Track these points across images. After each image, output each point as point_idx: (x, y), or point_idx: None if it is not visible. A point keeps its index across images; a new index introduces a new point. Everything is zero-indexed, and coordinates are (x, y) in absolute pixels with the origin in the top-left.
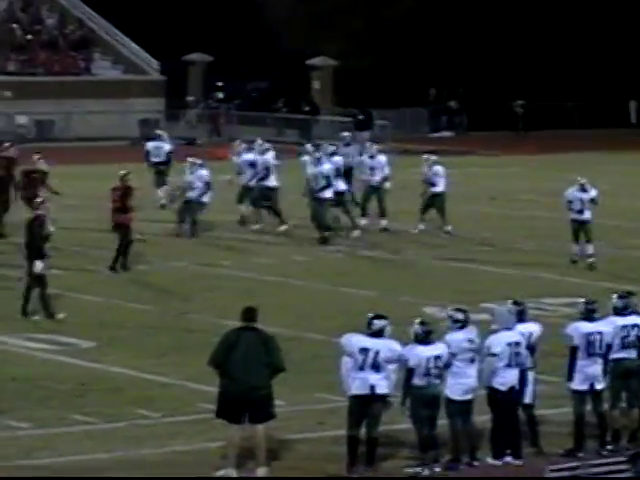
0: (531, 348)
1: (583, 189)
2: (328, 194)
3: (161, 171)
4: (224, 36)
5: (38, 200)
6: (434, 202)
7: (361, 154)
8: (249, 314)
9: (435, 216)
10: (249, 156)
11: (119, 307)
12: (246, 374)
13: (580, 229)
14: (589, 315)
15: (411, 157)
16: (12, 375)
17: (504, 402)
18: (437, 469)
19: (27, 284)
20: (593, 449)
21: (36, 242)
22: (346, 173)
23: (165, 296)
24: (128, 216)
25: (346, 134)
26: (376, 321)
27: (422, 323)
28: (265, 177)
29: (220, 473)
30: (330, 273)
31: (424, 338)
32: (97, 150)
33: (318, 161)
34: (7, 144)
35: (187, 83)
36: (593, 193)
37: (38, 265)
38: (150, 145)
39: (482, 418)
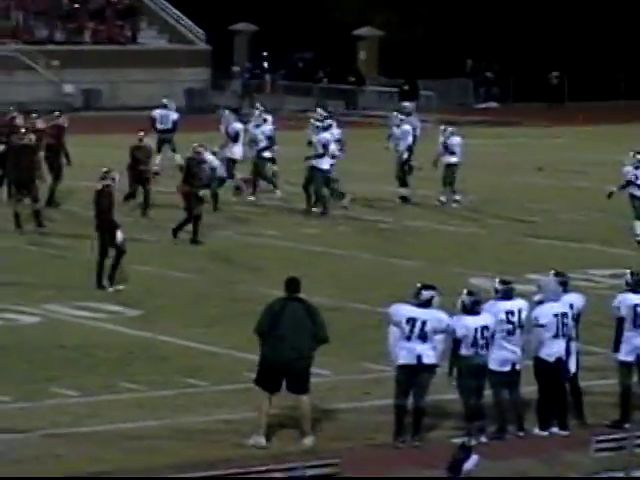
0: (574, 319)
1: (638, 164)
2: (324, 165)
3: (165, 139)
4: (270, 6)
5: (104, 170)
6: (447, 172)
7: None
8: (293, 285)
9: (473, 188)
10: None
11: (166, 276)
12: (291, 343)
13: (637, 206)
14: (636, 286)
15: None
16: (60, 343)
17: (551, 373)
18: (483, 439)
19: (99, 255)
20: (639, 420)
21: (105, 213)
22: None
23: (211, 265)
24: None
25: (407, 104)
26: (424, 291)
27: (470, 293)
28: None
29: (250, 442)
30: (375, 243)
31: (472, 308)
32: (143, 119)
33: (320, 129)
34: (57, 113)
35: (233, 53)
36: None
37: (119, 235)
38: (156, 113)
39: (529, 389)
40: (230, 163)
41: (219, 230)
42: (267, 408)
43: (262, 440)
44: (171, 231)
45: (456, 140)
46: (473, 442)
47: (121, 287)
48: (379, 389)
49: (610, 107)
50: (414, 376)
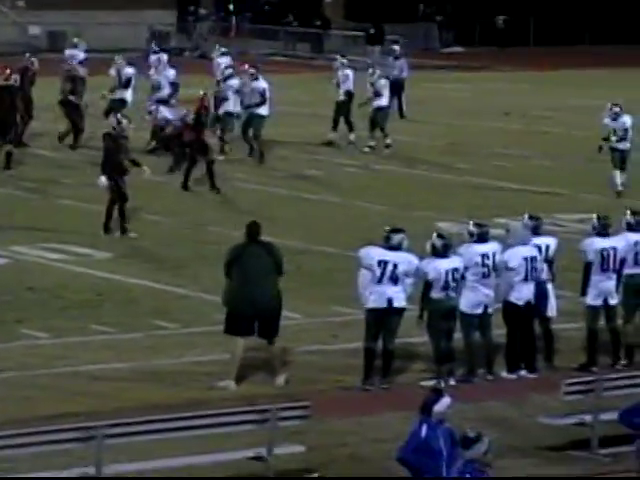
0: (549, 261)
1: (615, 117)
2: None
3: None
4: None
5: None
6: (377, 116)
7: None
8: (253, 229)
9: (441, 132)
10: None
11: (134, 219)
12: (258, 286)
13: (616, 157)
14: (603, 231)
15: (424, 72)
16: (29, 285)
17: (520, 316)
18: (452, 382)
19: (109, 201)
20: (606, 364)
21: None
22: (398, 85)
23: (180, 208)
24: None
25: (396, 47)
26: (394, 235)
27: (440, 236)
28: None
29: (221, 384)
30: (342, 187)
31: (442, 251)
32: (108, 62)
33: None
34: (27, 55)
35: None
36: (627, 121)
37: (102, 180)
38: (67, 52)
39: (497, 332)
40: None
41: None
42: (240, 353)
43: (232, 384)
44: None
45: (383, 83)
46: (443, 384)
47: (133, 235)
48: (348, 332)
49: (575, 52)
50: (384, 319)
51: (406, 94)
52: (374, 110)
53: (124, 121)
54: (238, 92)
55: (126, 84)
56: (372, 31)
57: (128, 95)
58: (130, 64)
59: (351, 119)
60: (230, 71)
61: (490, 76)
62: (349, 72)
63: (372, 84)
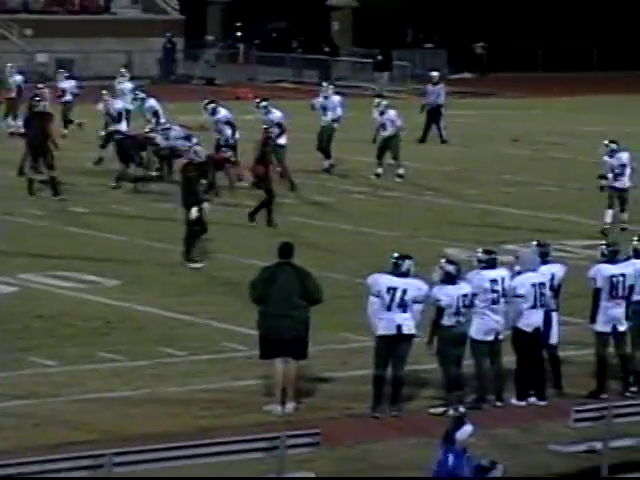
0: (554, 289)
1: (611, 154)
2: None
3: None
4: None
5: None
6: (387, 145)
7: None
8: (285, 250)
9: (449, 158)
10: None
11: (143, 246)
12: (284, 309)
13: (614, 197)
14: (612, 257)
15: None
16: (38, 313)
17: (529, 343)
18: (461, 409)
19: (186, 231)
20: (616, 391)
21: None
22: (435, 111)
23: None
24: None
25: (434, 74)
26: (402, 261)
27: (450, 262)
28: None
29: (266, 408)
30: (351, 214)
31: (453, 277)
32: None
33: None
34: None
35: (206, 23)
36: (624, 158)
37: (194, 213)
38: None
39: (507, 359)
40: None
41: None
42: (280, 375)
43: (278, 408)
44: (248, 216)
45: (391, 114)
46: (451, 412)
47: (197, 265)
48: (357, 359)
49: (583, 78)
50: (393, 346)
51: (444, 119)
52: (385, 139)
53: (198, 148)
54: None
55: (118, 118)
56: (380, 57)
57: (123, 127)
58: (117, 97)
59: (330, 147)
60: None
61: (499, 102)
62: (339, 98)
63: (381, 113)
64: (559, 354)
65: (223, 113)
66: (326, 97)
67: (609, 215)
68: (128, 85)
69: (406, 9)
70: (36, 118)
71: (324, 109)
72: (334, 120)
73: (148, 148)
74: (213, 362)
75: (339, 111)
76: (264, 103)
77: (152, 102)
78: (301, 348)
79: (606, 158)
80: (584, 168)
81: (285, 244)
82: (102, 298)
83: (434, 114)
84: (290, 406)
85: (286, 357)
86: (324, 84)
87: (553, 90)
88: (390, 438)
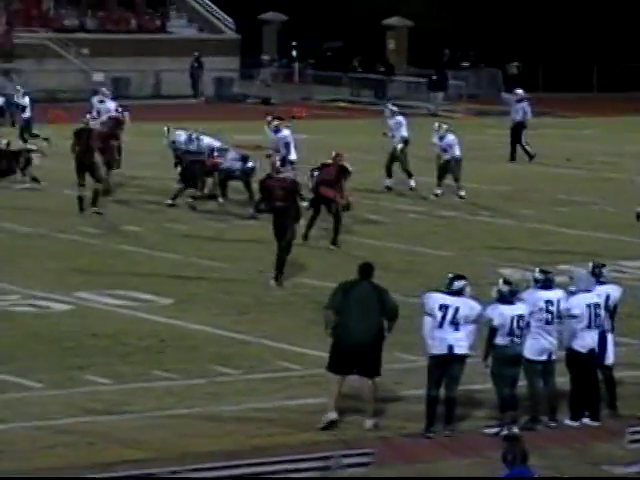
0: (610, 310)
1: None
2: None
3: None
4: None
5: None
6: (448, 167)
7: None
8: (366, 270)
9: (503, 178)
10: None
11: (197, 264)
12: (360, 324)
13: None
14: None
15: (487, 118)
16: (93, 331)
17: (583, 364)
18: (515, 429)
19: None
20: None
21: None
22: (518, 129)
23: (242, 254)
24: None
25: (519, 91)
26: (456, 281)
27: (507, 282)
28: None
29: (323, 419)
30: (406, 233)
31: (508, 297)
32: (172, 108)
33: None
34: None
35: (262, 42)
36: None
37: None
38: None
39: (561, 379)
40: None
41: (248, 220)
42: (336, 389)
43: (333, 414)
44: (331, 243)
45: (451, 139)
46: (505, 432)
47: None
48: (412, 379)
49: (637, 98)
50: (446, 366)
51: (528, 134)
52: (446, 161)
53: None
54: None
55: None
56: (435, 77)
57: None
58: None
59: (408, 167)
60: None
61: (553, 122)
62: (401, 119)
63: (440, 138)
64: (614, 375)
65: (285, 133)
66: (389, 118)
67: None
68: (111, 105)
69: (461, 29)
70: (81, 134)
71: (392, 130)
72: (400, 141)
73: (215, 174)
74: (266, 381)
75: (404, 131)
76: (276, 122)
77: (207, 139)
78: (375, 364)
79: None
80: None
81: (366, 264)
82: (156, 316)
83: (519, 131)
84: (369, 423)
85: (358, 375)
86: (388, 105)
87: (607, 109)
88: (443, 458)
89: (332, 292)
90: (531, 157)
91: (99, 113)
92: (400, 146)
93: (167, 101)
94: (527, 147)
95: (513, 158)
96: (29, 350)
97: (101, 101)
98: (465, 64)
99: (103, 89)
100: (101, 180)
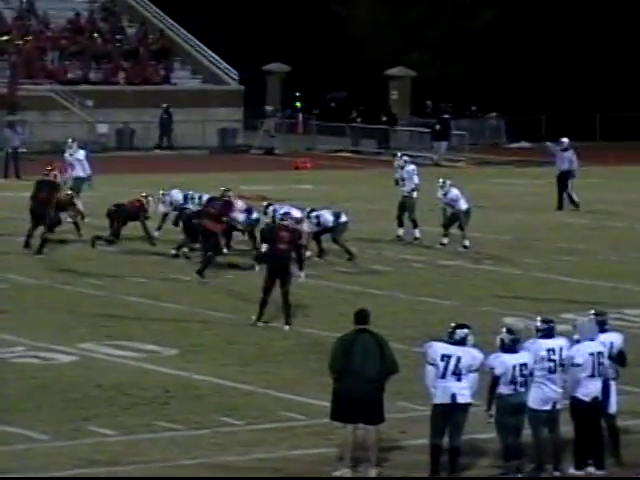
0: (613, 358)
1: None
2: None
3: None
4: (302, 46)
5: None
6: (454, 217)
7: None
8: (362, 316)
9: (507, 227)
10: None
11: (201, 315)
12: (364, 376)
13: None
14: None
15: (490, 167)
16: (97, 382)
17: (587, 412)
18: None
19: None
20: None
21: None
22: (564, 178)
23: (247, 304)
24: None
25: (564, 140)
26: (458, 330)
27: (509, 331)
28: None
29: (337, 473)
30: (409, 282)
31: (510, 346)
32: (176, 159)
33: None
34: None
35: (265, 93)
36: None
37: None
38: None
39: (565, 428)
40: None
41: (250, 271)
42: (349, 440)
43: (348, 472)
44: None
45: (454, 194)
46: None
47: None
48: (416, 428)
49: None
50: (449, 415)
51: (574, 184)
52: (452, 214)
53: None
54: None
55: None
56: (438, 127)
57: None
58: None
59: (415, 216)
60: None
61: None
62: (412, 167)
63: (445, 194)
64: (618, 423)
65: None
66: (402, 167)
67: None
68: (82, 153)
69: (465, 79)
70: (43, 186)
71: (402, 179)
72: (413, 189)
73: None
74: (271, 431)
75: (416, 179)
76: (272, 207)
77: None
78: (378, 412)
79: None
80: None
81: (362, 310)
82: (161, 367)
83: (565, 180)
84: (373, 472)
85: (362, 423)
86: (398, 154)
87: (610, 158)
88: None
89: (333, 350)
90: (576, 206)
91: (72, 165)
92: (414, 195)
93: (172, 152)
94: (573, 196)
95: (560, 207)
96: (34, 401)
97: (71, 154)
98: (446, 116)
99: (69, 141)
100: (52, 230)
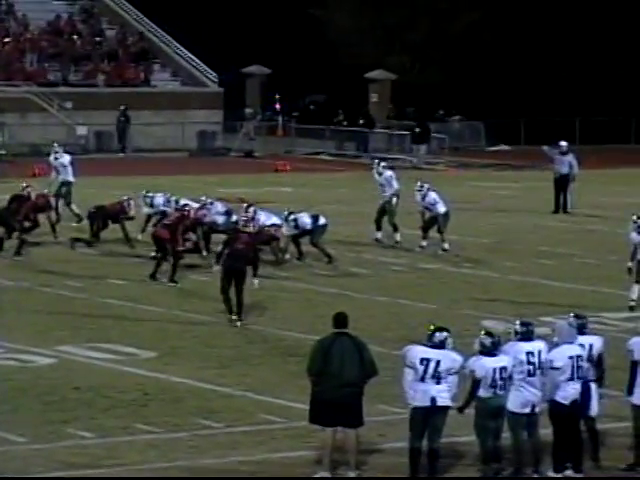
0: (593, 361)
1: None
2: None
3: None
4: (282, 48)
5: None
6: (432, 221)
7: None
8: (340, 320)
9: (487, 230)
10: None
11: (180, 318)
12: (342, 379)
13: None
14: None
15: (470, 170)
16: (75, 384)
17: (566, 416)
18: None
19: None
20: None
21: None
22: (562, 181)
23: (223, 307)
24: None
25: (563, 143)
26: (437, 333)
27: (488, 334)
28: None
29: (317, 477)
30: (388, 285)
31: (490, 349)
32: (155, 162)
33: None
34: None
35: (245, 95)
36: None
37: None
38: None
39: (544, 431)
40: None
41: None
42: (330, 442)
43: (327, 474)
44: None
45: (432, 197)
46: None
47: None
48: (395, 431)
49: (621, 150)
50: (428, 418)
51: (573, 189)
52: (431, 217)
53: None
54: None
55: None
56: (417, 130)
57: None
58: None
59: (394, 220)
60: None
61: (536, 175)
62: (390, 173)
63: (423, 197)
64: (597, 426)
65: (262, 219)
66: (380, 174)
67: (636, 290)
68: (67, 157)
69: (444, 83)
70: (15, 199)
71: (381, 185)
72: (393, 195)
73: (198, 229)
74: (250, 434)
75: (395, 185)
76: (252, 209)
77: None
78: (357, 415)
79: (634, 235)
80: (621, 240)
81: (340, 314)
82: (139, 370)
83: (563, 184)
84: (352, 475)
85: (341, 427)
86: (376, 161)
87: (590, 162)
88: None
89: (311, 352)
90: (565, 210)
91: (57, 170)
92: (394, 200)
93: (151, 154)
94: (569, 201)
95: (557, 210)
96: (12, 404)
97: (56, 158)
98: (454, 117)
99: (55, 145)
100: (27, 231)
